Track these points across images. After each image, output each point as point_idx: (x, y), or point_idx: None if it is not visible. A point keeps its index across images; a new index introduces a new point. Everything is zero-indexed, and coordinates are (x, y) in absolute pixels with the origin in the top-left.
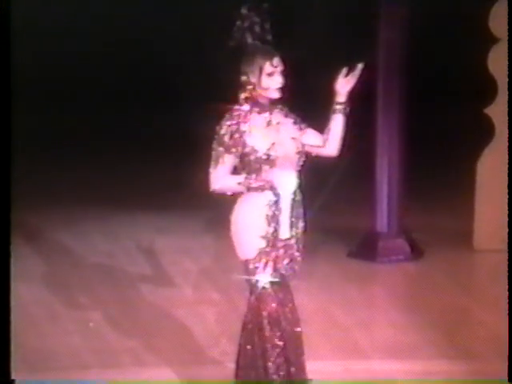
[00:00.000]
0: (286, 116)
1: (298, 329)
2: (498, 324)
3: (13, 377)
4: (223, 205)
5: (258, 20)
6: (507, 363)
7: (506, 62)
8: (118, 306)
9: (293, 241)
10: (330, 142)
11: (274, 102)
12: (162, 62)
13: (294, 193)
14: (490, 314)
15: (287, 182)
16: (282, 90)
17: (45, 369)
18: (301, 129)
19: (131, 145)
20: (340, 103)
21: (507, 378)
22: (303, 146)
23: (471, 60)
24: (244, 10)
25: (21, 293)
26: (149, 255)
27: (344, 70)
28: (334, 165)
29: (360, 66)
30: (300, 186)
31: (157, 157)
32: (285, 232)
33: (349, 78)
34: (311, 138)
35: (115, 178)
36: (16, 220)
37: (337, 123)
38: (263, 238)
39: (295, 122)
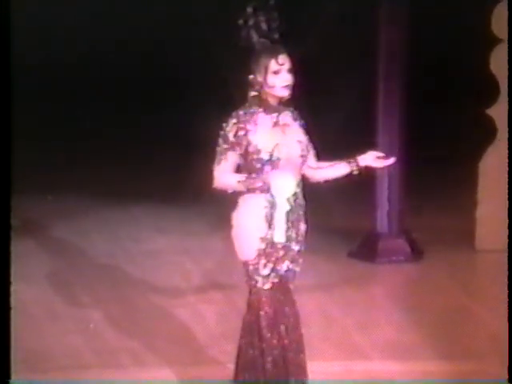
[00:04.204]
0: (295, 119)
1: (299, 330)
2: (498, 324)
3: (13, 377)
4: (224, 205)
5: (263, 18)
6: (507, 363)
7: (508, 63)
8: (118, 305)
9: (293, 243)
10: (321, 172)
11: (284, 103)
12: (164, 60)
13: (295, 195)
14: (490, 315)
15: (287, 184)
16: (291, 88)
17: (45, 369)
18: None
19: (132, 144)
20: (357, 165)
21: (507, 379)
22: (308, 150)
23: (473, 61)
24: (249, 9)
25: (21, 293)
26: (149, 255)
27: (381, 154)
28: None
29: (392, 160)
30: (302, 189)
31: (158, 156)
32: (282, 234)
33: (379, 161)
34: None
35: (116, 177)
36: (16, 220)
37: (340, 171)
38: (262, 239)
39: (302, 127)
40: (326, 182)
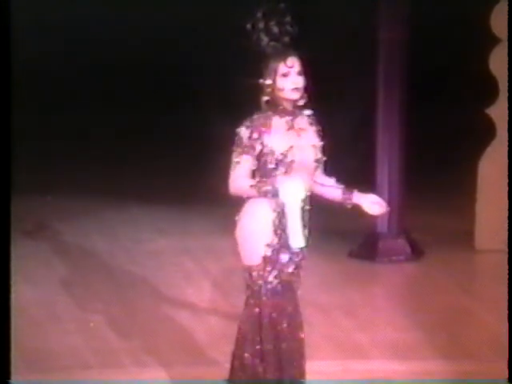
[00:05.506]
0: (311, 124)
1: (301, 335)
2: (499, 324)
3: (13, 377)
4: (225, 206)
5: (273, 21)
6: (507, 364)
7: (508, 63)
8: (118, 306)
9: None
10: (315, 186)
11: (300, 107)
12: (165, 61)
13: (304, 201)
14: (490, 315)
15: (298, 189)
16: (303, 90)
17: (45, 369)
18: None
19: (133, 144)
20: (350, 199)
21: (507, 379)
22: (322, 155)
23: (473, 60)
24: (259, 12)
25: (21, 293)
26: (150, 255)
27: (380, 200)
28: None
29: (386, 209)
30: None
31: (159, 156)
32: (300, 239)
33: (374, 207)
34: None
35: (117, 178)
36: (16, 220)
37: (332, 195)
38: (269, 245)
39: (318, 132)
40: (311, 194)
